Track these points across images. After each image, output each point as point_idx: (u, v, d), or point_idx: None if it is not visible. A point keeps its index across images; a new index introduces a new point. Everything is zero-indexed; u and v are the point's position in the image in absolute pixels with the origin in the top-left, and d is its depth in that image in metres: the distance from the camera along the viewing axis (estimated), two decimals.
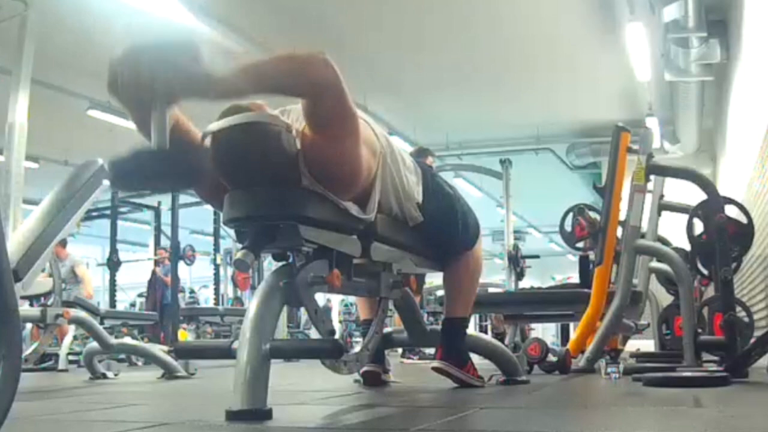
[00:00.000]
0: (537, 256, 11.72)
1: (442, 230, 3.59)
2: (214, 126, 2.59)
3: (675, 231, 5.97)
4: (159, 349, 5.88)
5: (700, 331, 5.01)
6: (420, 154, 7.58)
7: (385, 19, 10.60)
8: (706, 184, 5.13)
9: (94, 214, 13.55)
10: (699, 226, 5.22)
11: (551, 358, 5.03)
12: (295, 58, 2.58)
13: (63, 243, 9.24)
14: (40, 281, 6.00)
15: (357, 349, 3.26)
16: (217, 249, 14.65)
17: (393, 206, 3.26)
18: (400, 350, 9.66)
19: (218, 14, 9.06)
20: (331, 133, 2.69)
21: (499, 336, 11.34)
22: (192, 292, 18.49)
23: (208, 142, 2.61)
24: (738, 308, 5.05)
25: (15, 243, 4.13)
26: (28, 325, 8.19)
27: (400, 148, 3.38)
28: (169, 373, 5.51)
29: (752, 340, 4.69)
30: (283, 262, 2.84)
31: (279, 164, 2.65)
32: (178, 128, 2.61)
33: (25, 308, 6.37)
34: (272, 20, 10.02)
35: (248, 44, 9.38)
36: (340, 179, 2.80)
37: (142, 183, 2.64)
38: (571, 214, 5.97)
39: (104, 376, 5.67)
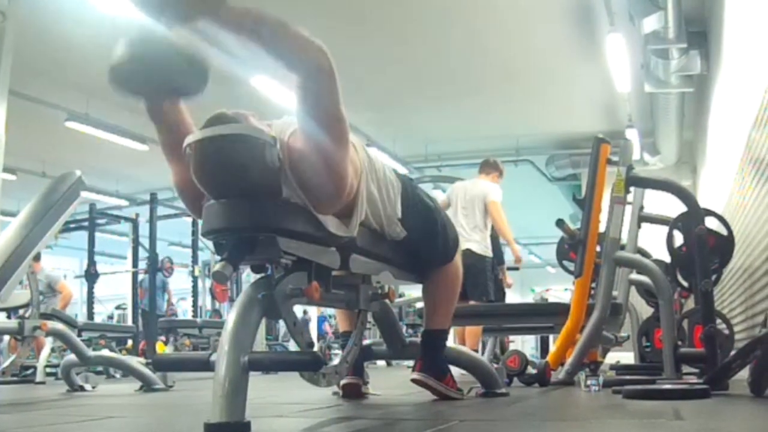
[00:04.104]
0: (516, 268, 11.71)
1: (423, 243, 3.58)
2: (196, 135, 2.57)
3: (655, 243, 5.97)
4: (137, 362, 5.84)
5: (680, 343, 5.01)
6: (489, 166, 8.44)
7: (364, 30, 10.60)
8: (686, 196, 5.13)
9: (72, 225, 13.53)
10: (679, 238, 5.22)
11: (531, 370, 5.03)
12: (302, 33, 2.60)
13: (36, 257, 9.17)
14: (17, 294, 5.98)
15: (336, 361, 3.24)
16: (195, 261, 14.61)
17: (374, 224, 3.25)
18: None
19: None
20: (320, 135, 2.68)
21: None
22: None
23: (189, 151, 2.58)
24: (718, 320, 5.06)
25: None
26: (6, 338, 8.13)
27: (377, 158, 3.36)
28: (147, 386, 5.47)
29: (732, 353, 4.69)
30: (262, 274, 2.82)
31: (259, 177, 2.61)
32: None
33: (2, 320, 6.34)
34: None
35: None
36: (325, 189, 2.76)
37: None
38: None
39: (82, 389, 5.64)
